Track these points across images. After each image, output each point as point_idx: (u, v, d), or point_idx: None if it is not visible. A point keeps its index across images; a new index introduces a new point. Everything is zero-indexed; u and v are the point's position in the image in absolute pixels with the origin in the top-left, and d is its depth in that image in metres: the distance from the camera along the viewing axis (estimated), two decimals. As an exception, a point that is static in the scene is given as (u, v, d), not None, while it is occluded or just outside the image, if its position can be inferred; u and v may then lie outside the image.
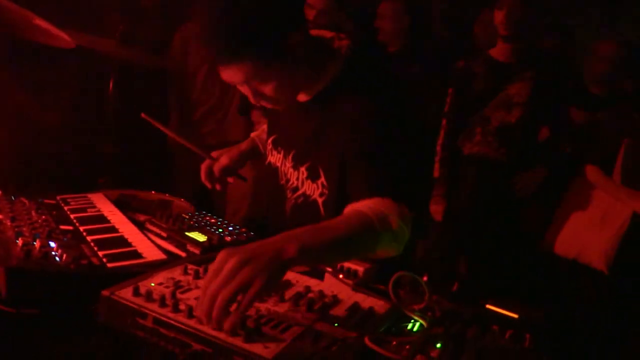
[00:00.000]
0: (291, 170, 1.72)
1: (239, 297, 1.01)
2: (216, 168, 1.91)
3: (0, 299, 1.20)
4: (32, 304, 1.21)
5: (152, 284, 1.15)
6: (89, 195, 1.79)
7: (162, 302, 1.06)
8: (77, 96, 3.13)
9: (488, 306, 1.28)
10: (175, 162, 3.70)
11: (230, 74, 1.39)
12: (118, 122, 2.99)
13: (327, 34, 1.61)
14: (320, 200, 1.63)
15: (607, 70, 3.00)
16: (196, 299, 1.08)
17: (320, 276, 1.36)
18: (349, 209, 1.40)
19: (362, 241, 1.30)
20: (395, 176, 1.45)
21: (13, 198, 1.60)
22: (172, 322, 1.01)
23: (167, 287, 1.14)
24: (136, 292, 1.09)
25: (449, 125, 3.07)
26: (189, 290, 1.14)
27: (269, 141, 1.86)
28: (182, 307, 1.05)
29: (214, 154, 1.94)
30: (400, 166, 1.50)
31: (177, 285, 1.16)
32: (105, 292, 1.10)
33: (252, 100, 1.50)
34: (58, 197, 1.72)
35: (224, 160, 1.92)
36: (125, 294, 1.09)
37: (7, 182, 1.71)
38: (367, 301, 1.22)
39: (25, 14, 1.31)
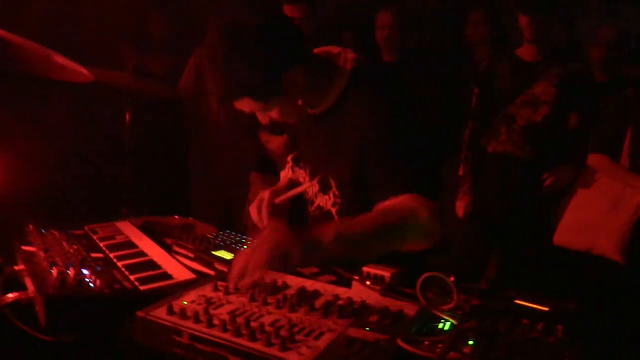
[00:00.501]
0: (309, 183, 1.78)
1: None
2: (265, 206, 1.75)
3: (40, 328, 1.24)
4: (71, 331, 1.25)
5: (185, 303, 1.18)
6: (116, 224, 1.84)
7: (197, 319, 1.09)
8: (96, 130, 3.22)
9: (517, 301, 1.28)
10: (194, 185, 3.76)
11: (238, 107, 1.54)
12: (136, 152, 3.05)
13: (334, 49, 1.67)
14: (334, 211, 1.69)
15: (605, 54, 3.01)
16: (229, 313, 1.11)
17: (348, 284, 1.38)
18: (380, 207, 1.48)
19: (392, 234, 1.42)
20: (417, 172, 1.52)
21: (44, 231, 1.64)
22: (207, 337, 1.04)
23: (199, 304, 1.17)
24: (170, 311, 1.12)
25: (475, 125, 3.09)
26: (221, 306, 1.17)
27: (289, 159, 1.91)
28: (216, 322, 1.07)
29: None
30: (420, 162, 1.56)
31: (209, 302, 1.18)
32: (140, 313, 1.13)
33: (261, 120, 1.60)
34: (86, 227, 1.76)
35: (267, 196, 1.77)
36: (160, 313, 1.12)
37: (38, 216, 1.76)
38: (397, 305, 1.23)
39: (44, 52, 1.37)
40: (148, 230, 1.94)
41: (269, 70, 1.45)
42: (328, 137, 1.67)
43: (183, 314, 1.11)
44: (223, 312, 1.13)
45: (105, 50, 3.19)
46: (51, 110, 2.96)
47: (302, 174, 1.84)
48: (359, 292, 1.31)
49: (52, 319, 1.21)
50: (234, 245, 1.65)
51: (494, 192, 3.09)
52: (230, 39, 1.43)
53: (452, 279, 1.33)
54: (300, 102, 1.58)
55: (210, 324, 1.07)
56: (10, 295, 1.32)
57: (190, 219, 2.29)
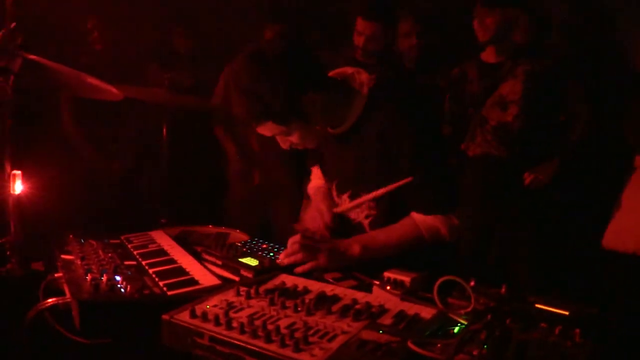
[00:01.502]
0: (336, 198, 1.88)
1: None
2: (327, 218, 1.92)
3: (75, 331, 1.33)
4: (104, 334, 1.33)
5: (208, 306, 1.23)
6: (150, 233, 1.92)
7: (217, 322, 1.14)
8: (135, 143, 3.36)
9: (537, 305, 1.28)
10: (230, 196, 3.84)
11: (260, 131, 1.69)
12: (174, 164, 3.16)
13: (348, 70, 1.78)
14: (366, 222, 1.80)
15: None
16: (248, 317, 1.15)
17: (368, 289, 1.40)
18: (410, 217, 1.72)
19: (410, 247, 1.69)
20: (442, 191, 1.70)
21: (82, 240, 1.74)
22: (226, 339, 1.08)
23: (221, 308, 1.22)
24: (193, 314, 1.18)
25: (449, 130, 3.13)
26: (242, 309, 1.22)
27: (315, 168, 1.99)
28: (234, 324, 1.12)
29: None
30: (444, 179, 1.71)
31: (230, 305, 1.23)
32: (165, 316, 1.19)
33: (282, 145, 1.74)
34: (122, 237, 1.85)
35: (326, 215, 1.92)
36: (184, 316, 1.18)
37: (79, 227, 1.86)
38: (414, 308, 1.25)
39: (77, 74, 1.47)
40: (181, 239, 2.02)
41: (290, 95, 1.58)
42: (351, 155, 1.78)
43: (204, 316, 1.16)
44: (242, 315, 1.17)
45: (133, 69, 3.33)
46: (93, 126, 3.11)
47: (329, 186, 1.93)
48: (379, 296, 1.34)
49: (85, 322, 1.28)
50: (260, 252, 1.70)
51: (477, 193, 3.10)
52: (254, 67, 1.58)
53: (472, 283, 1.34)
54: (318, 127, 1.70)
55: (229, 327, 1.12)
56: (49, 300, 1.41)
57: (224, 227, 2.37)
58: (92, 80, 1.50)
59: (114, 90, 1.56)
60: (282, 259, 1.61)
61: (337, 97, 1.71)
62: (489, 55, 3.04)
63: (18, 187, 1.49)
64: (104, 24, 3.29)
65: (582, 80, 2.97)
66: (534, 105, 2.91)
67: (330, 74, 1.79)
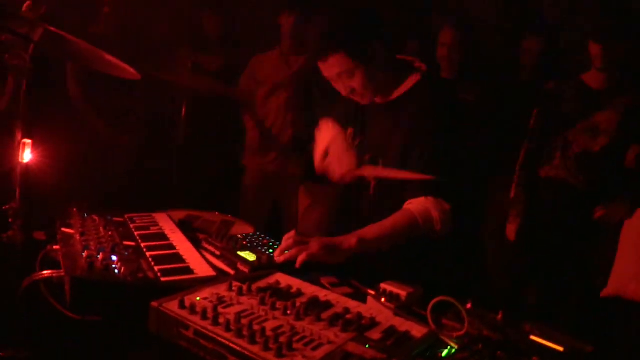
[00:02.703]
0: (357, 154, 1.93)
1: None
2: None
3: (66, 305, 1.33)
4: (94, 311, 1.33)
5: (198, 298, 1.22)
6: (154, 215, 1.92)
7: (204, 315, 1.13)
8: (151, 121, 3.36)
9: (532, 337, 1.25)
10: (247, 186, 3.83)
11: (328, 67, 1.75)
12: (190, 146, 3.17)
13: (409, 58, 1.90)
14: (373, 183, 1.89)
15: None
16: (236, 314, 1.14)
17: (362, 299, 1.38)
18: (406, 206, 1.74)
19: (406, 235, 1.71)
20: (438, 174, 1.71)
21: (86, 215, 1.74)
22: (210, 334, 1.07)
23: (210, 301, 1.21)
24: (181, 305, 1.17)
25: (530, 146, 3.01)
26: (231, 305, 1.20)
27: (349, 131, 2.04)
28: (221, 320, 1.11)
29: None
30: (448, 169, 1.76)
31: (221, 300, 1.22)
32: (154, 304, 1.18)
33: (343, 92, 1.81)
34: (126, 216, 1.85)
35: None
36: (172, 306, 1.17)
37: (83, 200, 1.87)
38: (405, 325, 1.22)
39: (98, 52, 1.47)
40: (186, 224, 2.02)
41: (362, 30, 1.73)
42: (386, 125, 1.86)
43: (192, 309, 1.15)
44: (231, 312, 1.16)
45: (163, 51, 3.33)
46: (105, 99, 3.11)
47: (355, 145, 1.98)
48: (372, 307, 1.32)
49: (76, 299, 1.28)
50: (259, 248, 1.69)
51: (545, 218, 2.99)
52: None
53: (469, 305, 1.31)
54: (379, 77, 1.78)
55: (216, 322, 1.11)
56: (45, 272, 1.41)
57: (230, 216, 2.36)
58: (110, 58, 1.49)
59: (131, 70, 1.55)
60: (277, 255, 1.60)
61: (395, 64, 1.83)
62: (593, 80, 2.88)
63: (27, 155, 1.50)
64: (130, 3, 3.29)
65: None
66: (625, 141, 2.79)
67: (399, 56, 1.90)
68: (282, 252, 1.59)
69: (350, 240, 1.63)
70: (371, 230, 1.70)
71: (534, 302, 3.13)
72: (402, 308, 1.32)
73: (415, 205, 1.72)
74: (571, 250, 2.93)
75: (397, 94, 1.84)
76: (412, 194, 1.74)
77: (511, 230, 3.05)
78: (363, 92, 1.80)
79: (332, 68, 1.75)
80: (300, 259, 1.55)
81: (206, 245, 1.69)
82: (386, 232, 1.70)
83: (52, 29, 1.40)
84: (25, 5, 1.29)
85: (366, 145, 1.92)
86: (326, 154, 1.92)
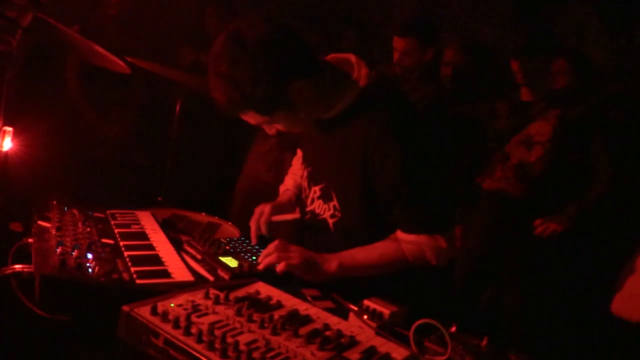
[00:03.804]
0: (307, 186, 1.80)
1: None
2: (263, 222, 1.79)
3: (34, 303, 1.27)
4: (64, 311, 1.27)
5: (172, 305, 1.17)
6: (137, 213, 1.86)
7: (176, 324, 1.07)
8: (144, 116, 3.31)
9: (514, 363, 1.20)
10: (235, 186, 3.78)
11: (243, 118, 1.55)
12: (182, 143, 3.12)
13: (352, 58, 1.63)
14: (331, 221, 1.71)
15: None
16: (210, 324, 1.09)
17: (344, 315, 1.33)
18: (394, 237, 1.61)
19: (393, 268, 1.61)
20: (428, 209, 1.59)
21: (65, 209, 1.69)
22: (181, 344, 1.02)
23: (185, 309, 1.16)
24: (154, 311, 1.11)
25: (470, 163, 3.10)
26: (206, 314, 1.15)
27: (302, 156, 1.94)
28: (193, 330, 1.06)
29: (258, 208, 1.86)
30: (431, 197, 1.60)
31: (195, 308, 1.17)
32: (125, 308, 1.13)
33: (267, 132, 1.64)
34: (107, 212, 1.80)
35: (267, 211, 1.80)
36: (144, 312, 1.12)
37: (65, 193, 1.81)
38: (386, 346, 1.18)
39: (88, 43, 1.42)
40: (169, 224, 1.97)
41: (273, 83, 1.42)
42: (332, 147, 1.66)
43: (165, 316, 1.10)
44: (205, 322, 1.11)
45: (165, 47, 3.30)
46: (99, 90, 3.08)
47: (304, 174, 1.85)
48: (353, 325, 1.27)
49: (45, 297, 1.23)
50: (242, 254, 1.64)
51: (483, 227, 3.05)
52: (233, 51, 1.40)
53: (453, 328, 1.26)
54: (303, 114, 1.56)
55: (188, 332, 1.05)
56: (16, 266, 1.36)
57: (216, 218, 2.31)
58: (100, 49, 1.44)
59: (122, 63, 1.50)
60: (260, 259, 1.55)
61: (327, 84, 1.55)
62: (524, 94, 3.00)
63: (7, 144, 1.44)
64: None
65: (609, 134, 2.88)
66: (559, 150, 2.85)
67: (332, 56, 1.66)
68: (264, 257, 1.54)
69: (331, 263, 1.56)
70: (355, 257, 1.59)
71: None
72: (384, 327, 1.27)
73: (407, 244, 1.58)
74: (518, 259, 2.97)
75: (337, 110, 1.59)
76: (403, 229, 1.60)
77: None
78: (291, 129, 1.62)
79: (248, 120, 1.55)
80: (280, 267, 1.51)
81: (188, 248, 1.63)
82: (371, 263, 1.60)
83: (41, 15, 1.35)
84: None
85: (315, 174, 1.75)
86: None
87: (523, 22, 3.96)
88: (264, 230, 1.76)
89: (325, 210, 1.71)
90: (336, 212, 1.68)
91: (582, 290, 2.99)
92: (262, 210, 1.77)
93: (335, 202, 1.67)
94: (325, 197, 1.71)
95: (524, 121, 2.93)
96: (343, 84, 1.58)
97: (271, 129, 1.63)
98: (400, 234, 1.61)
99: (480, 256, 3.07)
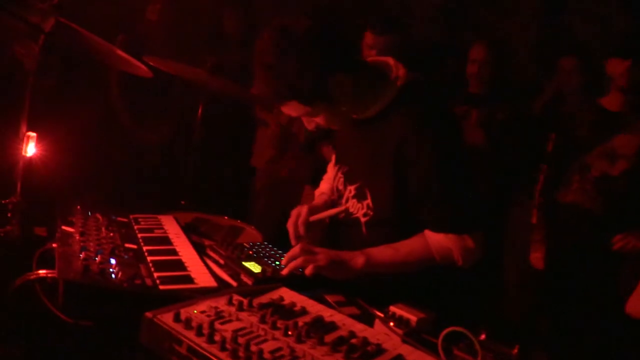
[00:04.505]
0: (342, 186, 1.80)
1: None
2: (301, 222, 1.77)
3: (58, 308, 1.27)
4: (87, 316, 1.27)
5: (195, 311, 1.15)
6: (160, 217, 1.86)
7: (199, 331, 1.05)
8: (169, 120, 3.33)
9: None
10: (259, 190, 3.77)
11: (285, 110, 1.59)
12: (205, 146, 3.11)
13: (390, 60, 1.68)
14: (363, 220, 1.71)
15: None
16: (233, 331, 1.07)
17: (370, 322, 1.30)
18: (421, 235, 1.61)
19: (419, 266, 1.61)
20: (458, 208, 1.58)
21: (89, 213, 1.69)
22: (204, 352, 1.00)
23: (208, 315, 1.14)
24: (177, 318, 1.10)
25: (549, 171, 2.91)
26: (229, 321, 1.13)
27: (335, 157, 1.94)
28: (217, 337, 1.03)
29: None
30: (462, 197, 1.60)
31: (219, 315, 1.15)
32: (148, 314, 1.11)
33: (306, 125, 1.67)
34: (131, 216, 1.79)
35: (305, 212, 1.79)
36: (167, 318, 1.10)
37: (89, 197, 1.82)
38: (414, 355, 1.14)
39: (109, 47, 1.42)
40: (192, 227, 1.96)
41: (317, 75, 1.48)
42: (368, 147, 1.69)
43: (188, 323, 1.08)
44: (228, 329, 1.09)
45: (185, 48, 3.31)
46: (137, 96, 3.10)
47: (338, 174, 1.84)
48: (379, 332, 1.23)
49: (68, 302, 1.22)
50: (265, 259, 1.62)
51: (566, 245, 2.86)
52: (282, 41, 1.46)
53: (483, 336, 1.22)
54: (345, 109, 1.60)
55: (211, 339, 1.03)
56: (40, 272, 1.36)
57: (239, 222, 2.30)
58: (122, 54, 1.44)
59: (143, 67, 1.49)
60: (284, 263, 1.53)
61: (366, 82, 1.60)
62: (612, 102, 2.78)
63: (31, 149, 1.45)
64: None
65: None
66: None
67: (372, 59, 1.72)
68: (288, 261, 1.51)
69: (358, 259, 1.54)
70: (382, 254, 1.59)
71: (546, 333, 3.01)
72: (411, 335, 1.24)
73: (435, 242, 1.58)
74: (594, 278, 2.79)
75: (374, 109, 1.63)
76: (431, 228, 1.59)
77: (537, 259, 2.92)
78: (331, 124, 1.67)
79: (289, 112, 1.60)
80: (308, 270, 1.48)
81: (210, 253, 1.62)
82: (398, 260, 1.59)
83: (63, 20, 1.35)
84: None
85: (351, 173, 1.76)
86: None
87: (547, 19, 3.87)
88: (302, 231, 1.74)
89: (358, 209, 1.71)
90: (369, 211, 1.67)
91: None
92: (299, 212, 1.76)
93: (369, 201, 1.67)
94: (359, 196, 1.71)
95: (610, 132, 2.72)
96: (381, 82, 1.63)
97: (310, 123, 1.66)
98: (428, 233, 1.59)
99: (550, 271, 2.90)
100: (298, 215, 1.75)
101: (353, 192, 1.73)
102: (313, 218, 1.76)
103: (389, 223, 1.64)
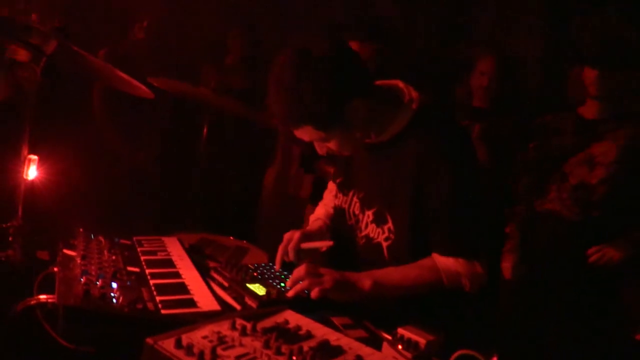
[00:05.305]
0: (358, 212, 1.76)
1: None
2: (291, 247, 1.74)
3: (59, 334, 1.25)
4: (88, 342, 1.24)
5: (200, 336, 1.12)
6: (164, 239, 1.84)
7: (201, 358, 1.02)
8: (174, 140, 3.33)
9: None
10: (264, 208, 3.75)
11: (297, 134, 1.57)
12: (210, 166, 3.12)
13: (400, 83, 1.67)
14: (385, 245, 1.68)
15: None
16: (237, 357, 1.04)
17: (377, 345, 1.27)
18: (431, 258, 1.59)
19: (426, 289, 1.58)
20: (469, 234, 1.58)
21: (92, 236, 1.67)
22: (205, 381, 0.97)
23: (210, 341, 1.11)
24: (178, 344, 1.07)
25: (528, 180, 2.88)
26: (232, 347, 1.10)
27: (336, 183, 1.89)
28: (218, 365, 1.00)
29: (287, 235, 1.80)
30: (475, 222, 1.60)
31: (221, 340, 1.11)
32: (149, 340, 1.08)
33: (318, 151, 1.63)
34: (134, 238, 1.77)
35: (296, 238, 1.76)
36: (168, 344, 1.07)
37: (92, 219, 1.80)
38: (423, 380, 1.10)
39: (109, 68, 1.41)
40: (197, 249, 1.94)
41: (332, 100, 1.46)
42: (384, 170, 1.67)
43: (189, 349, 1.05)
44: (231, 355, 1.06)
45: (190, 69, 3.33)
46: (124, 114, 3.10)
47: (346, 200, 1.81)
48: (387, 356, 1.20)
49: (69, 328, 1.20)
50: (270, 280, 1.59)
51: (541, 254, 2.82)
52: (299, 65, 1.45)
53: (495, 358, 1.19)
54: (359, 134, 1.59)
55: (213, 367, 1.00)
56: (41, 297, 1.33)
57: (245, 242, 2.28)
58: (123, 75, 1.43)
59: (144, 88, 1.49)
60: (289, 285, 1.51)
61: (382, 106, 1.60)
62: (588, 110, 2.75)
63: (32, 172, 1.43)
64: (159, 18, 3.30)
65: None
66: (624, 174, 2.62)
67: (379, 83, 1.69)
68: (294, 283, 1.49)
69: (365, 282, 1.51)
70: (390, 277, 1.56)
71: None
72: (420, 358, 1.20)
73: (443, 266, 1.56)
74: (570, 287, 2.72)
75: (390, 133, 1.62)
76: (441, 251, 1.58)
77: (506, 268, 2.88)
78: (343, 150, 1.64)
79: (302, 136, 1.58)
80: (314, 294, 1.44)
81: (215, 275, 1.59)
82: (406, 284, 1.56)
83: (65, 42, 1.35)
84: (34, 16, 1.25)
85: (367, 198, 1.74)
86: None
87: (555, 32, 3.85)
88: (291, 256, 1.72)
89: (379, 233, 1.69)
90: (390, 235, 1.65)
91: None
92: (291, 237, 1.73)
93: (390, 225, 1.65)
94: (379, 220, 1.68)
95: (589, 140, 2.69)
96: (396, 106, 1.62)
97: (322, 148, 1.63)
98: (437, 256, 1.57)
99: (527, 281, 2.84)
100: (289, 240, 1.72)
101: (371, 217, 1.70)
102: (304, 246, 1.73)
103: (411, 247, 1.61)
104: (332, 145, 1.60)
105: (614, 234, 2.62)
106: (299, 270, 1.49)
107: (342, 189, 1.84)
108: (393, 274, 1.56)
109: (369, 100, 1.54)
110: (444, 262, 1.55)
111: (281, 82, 1.47)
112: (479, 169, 1.67)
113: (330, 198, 1.96)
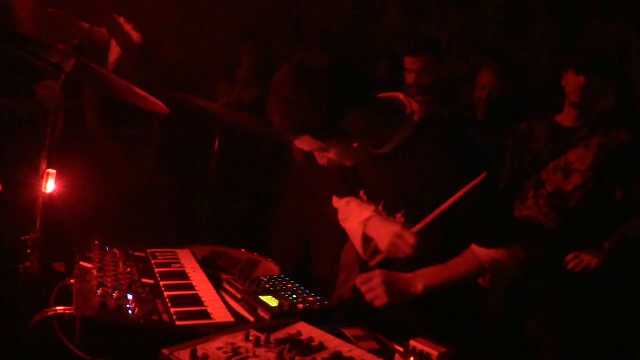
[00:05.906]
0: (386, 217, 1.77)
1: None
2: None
3: (75, 345, 1.27)
4: (105, 353, 1.26)
5: (215, 348, 1.14)
6: (177, 251, 1.86)
7: (216, 369, 1.04)
8: (186, 154, 3.35)
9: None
10: (277, 222, 3.76)
11: (298, 144, 1.59)
12: (222, 179, 3.14)
13: (400, 95, 1.70)
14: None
15: None
16: (251, 368, 1.05)
17: (389, 357, 1.28)
18: (471, 250, 1.65)
19: (473, 278, 1.73)
20: (503, 226, 1.65)
21: (107, 249, 1.70)
22: (221, 391, 0.99)
23: (225, 352, 1.12)
24: (194, 355, 1.09)
25: (505, 187, 2.89)
26: (246, 358, 1.12)
27: (361, 194, 1.88)
28: (234, 376, 1.02)
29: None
30: (506, 211, 1.75)
31: (236, 351, 1.13)
32: (165, 351, 1.10)
33: (319, 161, 1.66)
34: (148, 251, 1.80)
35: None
36: (184, 355, 1.09)
37: (107, 232, 1.83)
38: (435, 392, 1.11)
39: (128, 85, 1.45)
40: (210, 261, 1.96)
41: (331, 110, 1.49)
42: (395, 177, 1.69)
43: (205, 360, 1.07)
44: (245, 366, 1.08)
45: (204, 84, 3.36)
46: (123, 127, 3.11)
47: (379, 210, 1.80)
48: (399, 368, 1.21)
49: (86, 339, 1.22)
50: (283, 292, 1.60)
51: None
52: (298, 75, 1.49)
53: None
54: (356, 145, 1.60)
55: (228, 378, 1.02)
56: (56, 308, 1.36)
57: (256, 254, 2.29)
58: (140, 91, 1.47)
59: (161, 104, 1.52)
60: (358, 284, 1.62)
61: (382, 117, 1.63)
62: (565, 118, 2.80)
63: (50, 186, 1.47)
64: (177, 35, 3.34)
65: None
66: (599, 181, 2.66)
67: (381, 95, 1.72)
68: (368, 290, 1.59)
69: (416, 285, 1.59)
70: (439, 276, 1.63)
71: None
72: (432, 370, 1.21)
73: (486, 257, 1.62)
74: (547, 293, 2.73)
75: (392, 145, 1.64)
76: (484, 245, 1.62)
77: (485, 279, 2.88)
78: (343, 161, 1.66)
79: (303, 146, 1.60)
80: (378, 305, 1.56)
81: (227, 287, 1.61)
82: (456, 279, 1.63)
83: (84, 60, 1.38)
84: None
85: (390, 202, 1.73)
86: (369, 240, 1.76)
87: (563, 42, 3.86)
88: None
89: None
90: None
91: (615, 334, 2.77)
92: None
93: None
94: (410, 221, 1.68)
95: (564, 147, 2.74)
96: (396, 116, 1.65)
97: (323, 159, 1.65)
98: (478, 249, 1.62)
99: (506, 290, 2.84)
100: (400, 235, 1.65)
101: (403, 219, 1.71)
102: (416, 228, 1.66)
103: (439, 245, 1.67)
104: (332, 155, 1.61)
105: (590, 240, 2.64)
106: (375, 277, 1.58)
107: (370, 198, 1.84)
108: (442, 272, 1.63)
109: (368, 111, 1.56)
110: (487, 253, 1.62)
111: (279, 94, 1.51)
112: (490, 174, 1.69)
113: (354, 207, 1.94)
